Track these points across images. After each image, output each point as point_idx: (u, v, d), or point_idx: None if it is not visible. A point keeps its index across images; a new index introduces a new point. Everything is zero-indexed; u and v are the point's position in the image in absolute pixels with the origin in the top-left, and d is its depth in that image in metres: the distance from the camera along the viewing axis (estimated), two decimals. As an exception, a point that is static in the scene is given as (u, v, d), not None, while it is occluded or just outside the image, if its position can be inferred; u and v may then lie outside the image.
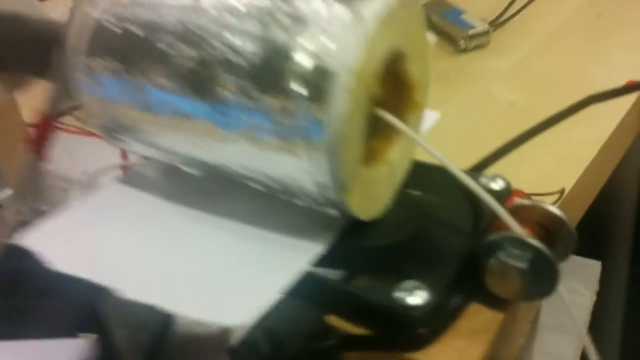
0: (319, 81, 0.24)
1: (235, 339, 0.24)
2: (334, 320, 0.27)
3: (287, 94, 0.25)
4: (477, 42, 0.69)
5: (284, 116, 0.25)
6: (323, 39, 0.24)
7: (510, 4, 0.75)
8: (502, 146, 0.38)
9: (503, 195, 0.31)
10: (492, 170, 0.35)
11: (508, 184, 0.32)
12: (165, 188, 0.34)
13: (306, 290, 0.27)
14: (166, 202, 0.33)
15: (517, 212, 0.28)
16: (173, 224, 0.32)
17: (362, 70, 0.24)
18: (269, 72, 0.25)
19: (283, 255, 0.29)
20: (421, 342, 0.26)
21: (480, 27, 0.69)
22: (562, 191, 0.38)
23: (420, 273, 0.27)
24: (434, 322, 0.26)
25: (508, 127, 0.40)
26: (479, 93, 0.60)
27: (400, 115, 0.31)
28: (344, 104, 0.24)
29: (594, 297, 0.69)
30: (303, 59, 0.25)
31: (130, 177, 0.36)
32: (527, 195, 0.34)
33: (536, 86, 0.60)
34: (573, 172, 0.43)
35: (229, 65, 0.26)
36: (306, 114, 0.25)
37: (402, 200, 0.32)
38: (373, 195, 0.30)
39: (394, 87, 0.30)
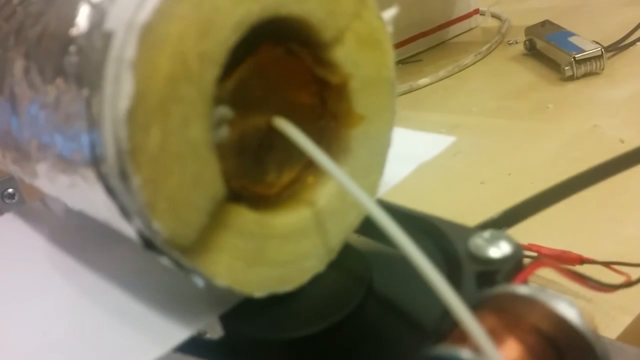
0: (89, 51, 0.14)
1: None
2: None
3: (63, 74, 0.15)
4: (587, 68, 0.55)
5: (58, 113, 0.15)
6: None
7: (635, 29, 0.60)
8: (545, 191, 0.24)
9: (503, 268, 0.18)
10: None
11: (517, 251, 0.18)
12: (59, 224, 0.26)
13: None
14: (47, 244, 0.25)
15: (504, 307, 0.15)
16: (36, 275, 0.23)
17: (165, 31, 0.14)
18: (50, 42, 0.15)
19: (129, 340, 0.18)
20: None
21: (592, 50, 0.55)
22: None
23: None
24: None
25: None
26: (582, 127, 0.47)
27: (331, 132, 0.19)
28: (125, 88, 0.13)
29: None
30: (82, 15, 0.14)
31: (32, 208, 0.28)
32: (572, 273, 0.20)
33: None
34: None
35: (19, 37, 0.17)
36: (77, 106, 0.14)
37: (344, 263, 0.20)
38: (276, 257, 0.18)
39: (307, 83, 0.18)
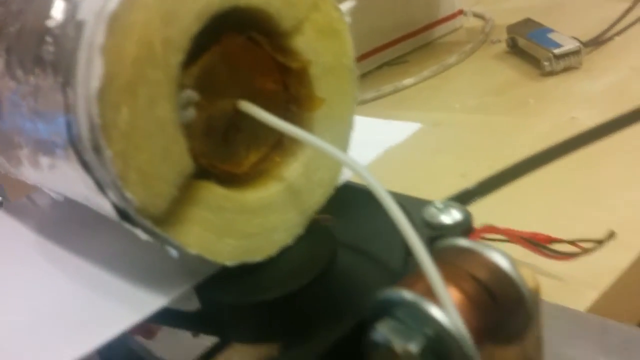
0: (64, 39, 0.15)
1: None
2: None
3: (41, 63, 0.16)
4: (566, 63, 0.57)
5: (37, 99, 0.17)
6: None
7: (614, 24, 0.61)
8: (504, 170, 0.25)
9: (453, 233, 0.19)
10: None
11: (467, 217, 0.20)
12: (44, 218, 0.27)
13: None
14: (34, 237, 0.26)
15: (447, 258, 0.17)
16: (25, 263, 0.25)
17: (131, 19, 0.15)
18: (29, 35, 0.17)
19: (106, 309, 0.20)
20: None
21: (571, 46, 0.56)
22: (609, 235, 0.25)
23: (298, 339, 0.17)
24: None
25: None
26: (560, 119, 0.49)
27: (295, 116, 0.21)
28: (95, 70, 0.15)
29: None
30: (58, 8, 0.16)
31: (18, 204, 0.30)
32: (519, 237, 0.22)
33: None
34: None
35: (1, 35, 0.18)
36: (54, 91, 0.16)
37: (311, 236, 0.21)
38: (245, 229, 0.20)
39: (270, 71, 0.20)
